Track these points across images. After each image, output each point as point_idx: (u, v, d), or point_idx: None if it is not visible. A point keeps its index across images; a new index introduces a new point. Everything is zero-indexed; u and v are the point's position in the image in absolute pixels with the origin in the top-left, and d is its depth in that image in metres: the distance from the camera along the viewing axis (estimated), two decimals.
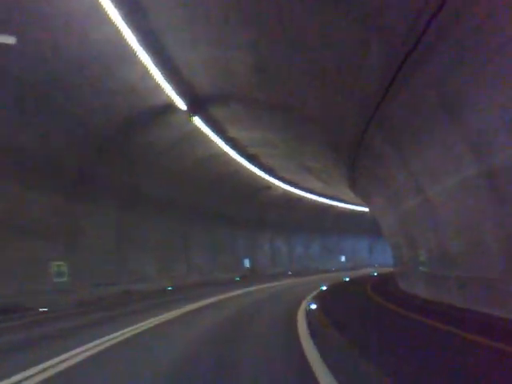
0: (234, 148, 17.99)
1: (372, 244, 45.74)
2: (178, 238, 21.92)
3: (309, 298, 12.99)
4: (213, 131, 15.38)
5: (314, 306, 10.44)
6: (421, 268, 11.12)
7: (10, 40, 7.93)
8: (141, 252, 18.61)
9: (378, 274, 28.38)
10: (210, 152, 18.12)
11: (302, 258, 36.03)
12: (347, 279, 23.62)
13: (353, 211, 36.53)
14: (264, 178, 23.72)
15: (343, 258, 40.26)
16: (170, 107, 12.75)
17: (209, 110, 13.84)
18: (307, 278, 26.85)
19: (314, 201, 31.48)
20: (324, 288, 17.01)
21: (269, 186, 25.58)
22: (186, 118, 13.51)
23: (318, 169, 22.62)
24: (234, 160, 19.60)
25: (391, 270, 20.53)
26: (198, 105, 13.09)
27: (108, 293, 15.74)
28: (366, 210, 39.70)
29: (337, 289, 17.42)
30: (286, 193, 27.69)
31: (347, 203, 35.32)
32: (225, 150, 17.74)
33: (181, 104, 12.41)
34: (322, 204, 32.90)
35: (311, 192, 29.96)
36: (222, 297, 14.63)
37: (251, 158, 20.25)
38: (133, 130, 14.21)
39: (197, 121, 13.96)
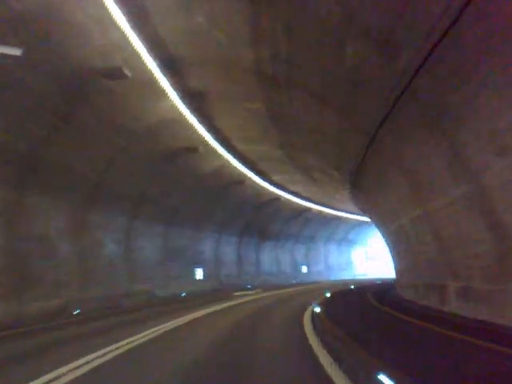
0: None
1: (240, 246, 31.91)
2: None
3: None
4: None
5: None
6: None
7: (16, 52, 7.78)
8: None
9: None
10: None
11: (146, 270, 20.34)
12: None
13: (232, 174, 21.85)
14: None
15: (201, 273, 26.30)
16: None
17: None
18: (161, 327, 12.32)
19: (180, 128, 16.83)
20: None
21: None
22: None
23: None
24: None
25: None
26: None
27: None
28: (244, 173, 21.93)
29: None
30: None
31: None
32: None
33: None
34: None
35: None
36: None
37: None
38: None
39: None
